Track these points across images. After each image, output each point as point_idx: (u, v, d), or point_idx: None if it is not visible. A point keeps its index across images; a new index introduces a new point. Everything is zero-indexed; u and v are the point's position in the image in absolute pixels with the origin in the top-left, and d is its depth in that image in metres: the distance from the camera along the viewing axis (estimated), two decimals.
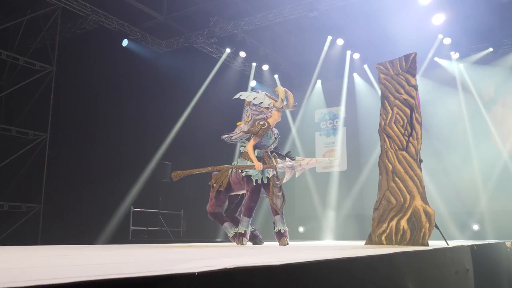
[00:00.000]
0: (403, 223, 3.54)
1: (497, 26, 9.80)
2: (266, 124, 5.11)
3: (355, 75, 11.99)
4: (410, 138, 3.65)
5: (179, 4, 9.64)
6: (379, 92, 4.22)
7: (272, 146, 5.23)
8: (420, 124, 3.68)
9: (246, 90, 11.72)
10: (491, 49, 10.35)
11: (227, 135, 5.30)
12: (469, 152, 10.33)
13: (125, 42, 10.13)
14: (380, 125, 3.94)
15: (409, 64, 3.87)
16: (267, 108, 5.18)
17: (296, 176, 5.21)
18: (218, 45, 10.66)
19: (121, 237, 8.73)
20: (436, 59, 10.75)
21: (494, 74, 10.47)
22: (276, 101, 5.17)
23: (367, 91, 11.80)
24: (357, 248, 3.04)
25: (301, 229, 12.24)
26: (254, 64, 11.67)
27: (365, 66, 11.44)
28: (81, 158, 8.98)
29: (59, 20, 9.33)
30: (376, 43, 10.03)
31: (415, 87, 3.78)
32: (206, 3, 9.51)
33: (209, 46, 10.75)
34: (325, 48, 10.70)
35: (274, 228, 5.05)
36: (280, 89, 5.23)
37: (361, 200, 11.22)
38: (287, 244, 4.92)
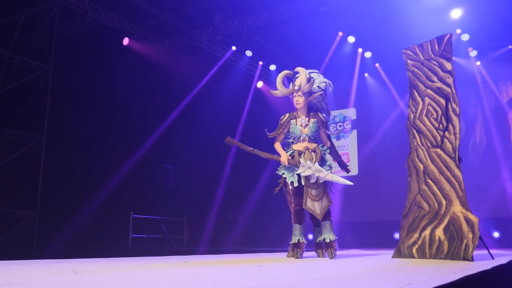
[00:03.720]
0: (439, 232, 3.00)
1: None
2: (286, 116, 4.68)
3: (366, 75, 11.47)
4: (446, 132, 3.11)
5: (183, 1, 9.19)
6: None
7: (306, 136, 4.54)
8: (458, 116, 3.14)
9: (249, 91, 11.28)
10: (510, 47, 9.81)
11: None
12: (488, 154, 9.78)
13: (126, 41, 9.68)
14: (408, 118, 3.41)
15: (443, 47, 3.34)
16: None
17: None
18: (224, 43, 10.19)
19: (120, 245, 8.24)
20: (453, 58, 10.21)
21: None
22: (293, 88, 4.67)
23: (379, 91, 11.26)
24: (407, 267, 2.50)
25: (310, 236, 11.71)
26: (260, 63, 11.17)
27: (377, 65, 10.91)
28: (79, 162, 8.50)
29: (56, 17, 8.91)
30: (389, 41, 9.51)
31: (451, 73, 3.25)
32: (210, 0, 9.06)
33: (214, 45, 10.27)
34: (335, 46, 10.18)
35: (321, 236, 4.42)
36: (280, 74, 4.73)
37: (374, 206, 10.67)
38: (334, 257, 4.26)
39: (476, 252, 3.47)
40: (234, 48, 10.22)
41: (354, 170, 11.88)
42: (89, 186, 8.43)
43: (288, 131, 4.67)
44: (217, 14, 9.60)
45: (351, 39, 9.93)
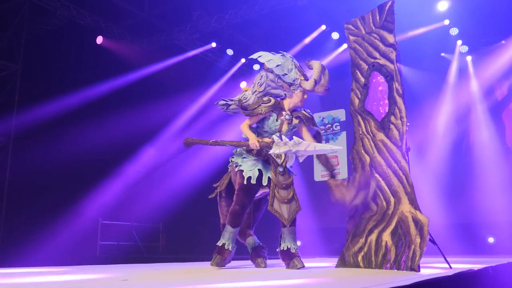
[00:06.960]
0: (386, 237, 2.52)
1: (510, 16, 8.78)
2: (272, 101, 3.88)
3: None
4: (392, 117, 2.63)
5: None
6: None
7: (280, 135, 3.83)
8: (401, 96, 2.66)
9: (234, 91, 10.82)
10: (503, 42, 9.30)
11: (224, 102, 4.00)
12: (482, 155, 9.25)
13: (99, 40, 9.27)
14: (352, 103, 2.95)
15: (384, 16, 2.84)
16: (291, 85, 3.91)
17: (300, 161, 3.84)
18: (202, 41, 9.78)
19: (88, 252, 7.81)
20: (442, 54, 9.76)
21: (507, 70, 9.40)
22: (304, 79, 3.89)
23: None
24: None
25: (298, 243, 11.22)
26: (243, 60, 10.70)
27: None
28: (47, 165, 8.08)
29: (26, 15, 8.55)
30: None
31: (394, 47, 2.77)
32: None
33: (192, 43, 9.86)
34: (319, 41, 9.70)
35: (280, 245, 3.78)
36: (317, 65, 3.91)
37: None
38: (302, 267, 3.59)
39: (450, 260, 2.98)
40: (214, 44, 9.79)
41: (343, 174, 11.39)
42: (57, 190, 8.03)
43: (263, 120, 3.95)
44: (195, 11, 9.21)
45: (335, 35, 9.47)
